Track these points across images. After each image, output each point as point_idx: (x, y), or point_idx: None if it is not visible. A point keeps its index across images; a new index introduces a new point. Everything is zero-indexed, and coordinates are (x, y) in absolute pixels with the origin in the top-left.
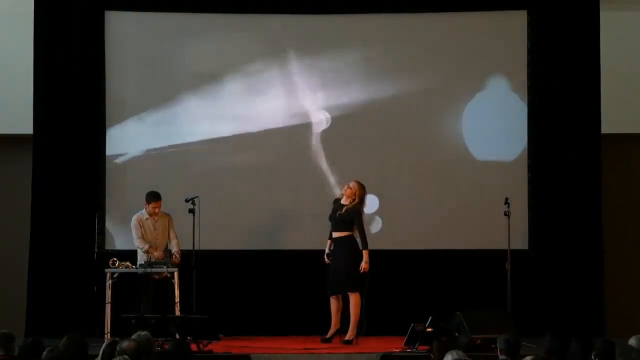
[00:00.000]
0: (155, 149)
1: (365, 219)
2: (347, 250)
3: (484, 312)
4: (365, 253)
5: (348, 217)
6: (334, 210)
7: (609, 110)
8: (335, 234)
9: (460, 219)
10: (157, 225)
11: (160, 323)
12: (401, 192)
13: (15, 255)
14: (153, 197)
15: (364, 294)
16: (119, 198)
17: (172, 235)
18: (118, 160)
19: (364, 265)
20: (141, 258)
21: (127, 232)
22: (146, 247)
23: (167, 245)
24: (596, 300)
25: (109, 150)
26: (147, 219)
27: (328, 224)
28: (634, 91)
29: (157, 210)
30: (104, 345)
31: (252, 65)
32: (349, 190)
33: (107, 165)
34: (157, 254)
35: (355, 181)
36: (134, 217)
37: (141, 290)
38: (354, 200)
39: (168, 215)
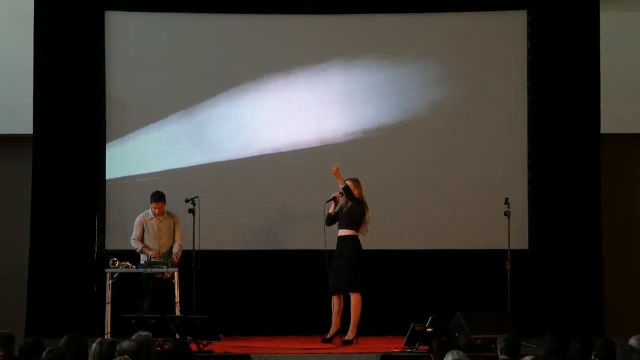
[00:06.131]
0: (155, 149)
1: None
2: (349, 249)
3: (484, 312)
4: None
5: (350, 216)
6: (341, 207)
7: (609, 110)
8: (340, 232)
9: (460, 219)
10: (161, 225)
11: (160, 323)
12: (401, 192)
13: (15, 255)
14: (154, 197)
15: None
16: (119, 198)
17: (177, 236)
18: (118, 160)
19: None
20: (143, 258)
21: (127, 231)
22: (140, 247)
23: (171, 246)
24: (596, 300)
25: (109, 150)
26: (151, 218)
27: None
28: (634, 91)
29: (157, 211)
30: (93, 345)
31: (253, 66)
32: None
33: (107, 165)
34: (151, 254)
35: (350, 179)
36: (138, 216)
37: (144, 288)
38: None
39: (175, 216)
